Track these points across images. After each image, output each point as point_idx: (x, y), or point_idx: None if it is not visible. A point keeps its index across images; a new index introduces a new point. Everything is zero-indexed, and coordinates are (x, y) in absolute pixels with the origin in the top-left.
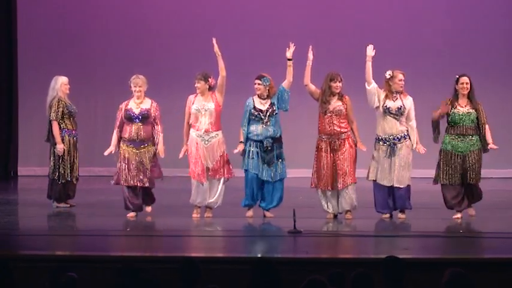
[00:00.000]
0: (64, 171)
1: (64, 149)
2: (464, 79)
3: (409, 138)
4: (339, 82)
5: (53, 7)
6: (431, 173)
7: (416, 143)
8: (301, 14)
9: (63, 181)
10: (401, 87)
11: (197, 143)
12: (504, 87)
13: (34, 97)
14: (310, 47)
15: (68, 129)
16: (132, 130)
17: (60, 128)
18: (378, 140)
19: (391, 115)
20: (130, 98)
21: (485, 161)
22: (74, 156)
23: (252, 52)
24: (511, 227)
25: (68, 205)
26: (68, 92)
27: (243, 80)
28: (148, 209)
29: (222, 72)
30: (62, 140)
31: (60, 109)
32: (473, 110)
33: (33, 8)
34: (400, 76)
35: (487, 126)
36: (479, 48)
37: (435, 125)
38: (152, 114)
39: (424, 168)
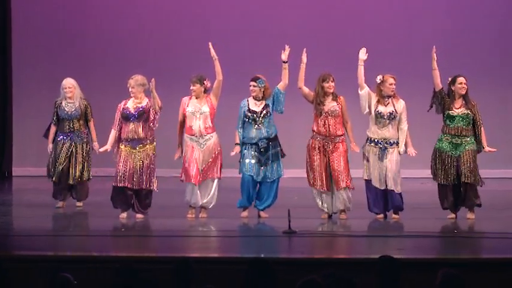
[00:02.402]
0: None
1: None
2: (462, 79)
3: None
4: (331, 82)
5: (49, 6)
6: (425, 173)
7: (408, 146)
8: (300, 14)
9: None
10: (392, 91)
11: (192, 147)
12: (502, 87)
13: (29, 97)
14: (304, 49)
15: None
16: (129, 129)
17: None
18: (370, 141)
19: (383, 120)
20: (130, 97)
21: (482, 161)
22: None
23: (251, 53)
24: (507, 227)
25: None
26: None
27: (242, 81)
28: (139, 216)
29: (219, 76)
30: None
31: None
32: (468, 111)
33: (28, 6)
34: (391, 80)
35: (482, 129)
36: (478, 48)
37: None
38: (147, 111)
39: (418, 169)
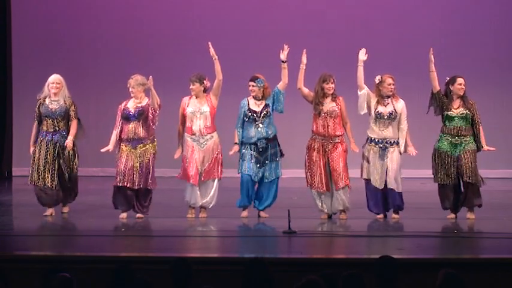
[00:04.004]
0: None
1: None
2: (461, 80)
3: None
4: (332, 83)
5: (49, 7)
6: (425, 173)
7: (408, 145)
8: (298, 14)
9: None
10: (391, 91)
11: (193, 147)
12: (501, 87)
13: (29, 97)
14: (304, 50)
15: None
16: (129, 129)
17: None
18: (370, 140)
19: (383, 120)
20: (131, 97)
21: (482, 161)
22: None
23: (250, 52)
24: (505, 228)
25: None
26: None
27: (240, 81)
28: (139, 215)
29: (219, 75)
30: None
31: None
32: (467, 111)
33: (28, 8)
34: (389, 80)
35: (480, 127)
36: (476, 48)
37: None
38: (146, 110)
39: (417, 169)
